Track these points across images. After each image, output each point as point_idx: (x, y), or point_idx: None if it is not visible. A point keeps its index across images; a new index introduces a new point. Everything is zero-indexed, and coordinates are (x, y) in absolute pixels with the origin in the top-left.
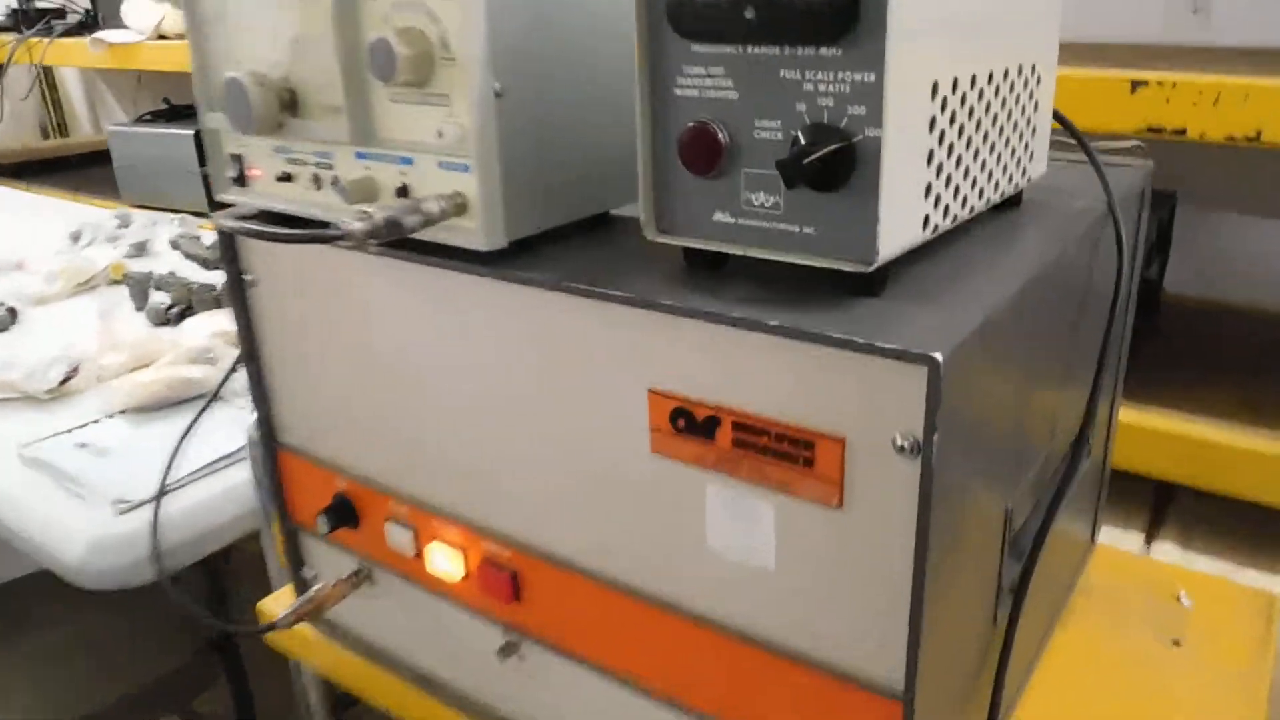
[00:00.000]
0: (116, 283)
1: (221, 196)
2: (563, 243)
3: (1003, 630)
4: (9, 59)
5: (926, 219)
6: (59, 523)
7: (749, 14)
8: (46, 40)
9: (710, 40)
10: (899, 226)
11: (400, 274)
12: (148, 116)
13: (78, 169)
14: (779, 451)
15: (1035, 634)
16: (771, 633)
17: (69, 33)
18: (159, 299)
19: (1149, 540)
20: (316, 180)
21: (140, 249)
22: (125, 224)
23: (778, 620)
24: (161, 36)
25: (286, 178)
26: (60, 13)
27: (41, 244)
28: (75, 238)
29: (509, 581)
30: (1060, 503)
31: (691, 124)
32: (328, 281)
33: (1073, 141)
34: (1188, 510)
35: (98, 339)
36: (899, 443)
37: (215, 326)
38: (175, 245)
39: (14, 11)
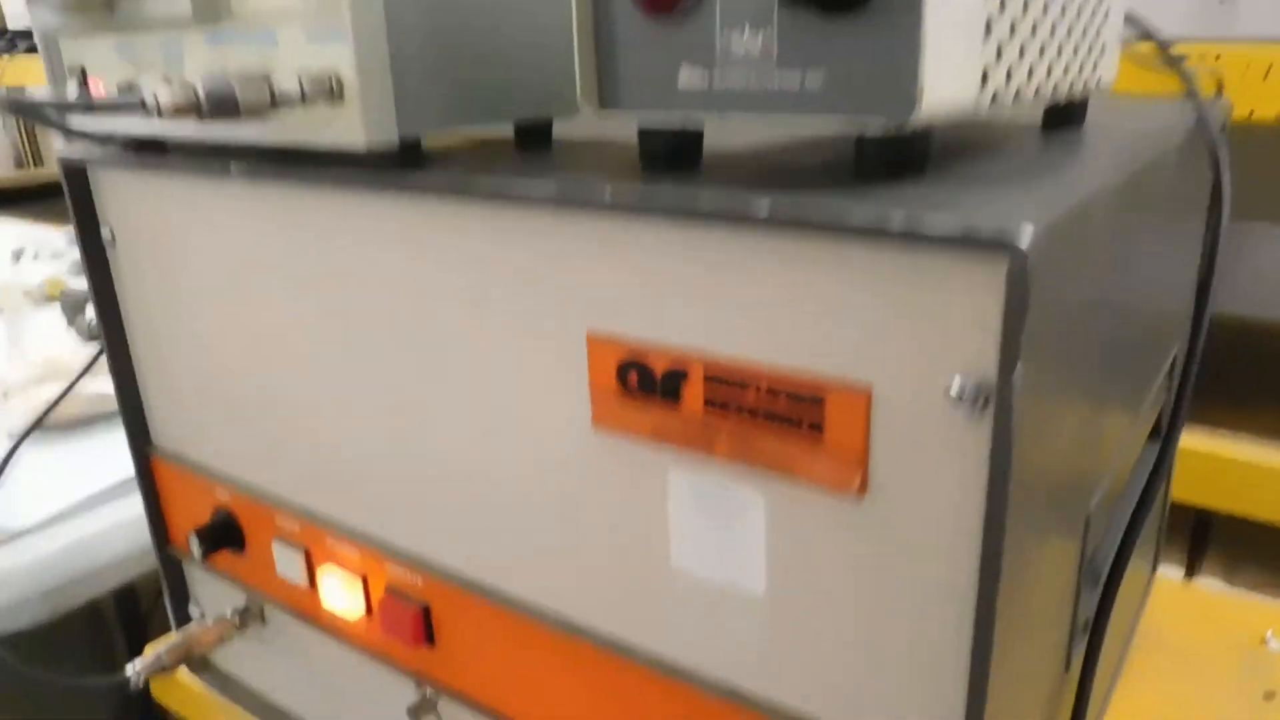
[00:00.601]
0: (51, 300)
1: (73, 125)
2: (478, 155)
3: (1076, 678)
4: None
5: (985, 76)
6: None
7: None
8: (6, 58)
9: None
10: (948, 72)
11: (266, 203)
12: None
13: (50, 197)
14: (772, 413)
15: (1101, 688)
16: (761, 686)
17: (33, 49)
18: (93, 314)
19: (1190, 575)
20: (167, 84)
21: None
22: (73, 243)
23: (770, 669)
24: None
25: (130, 88)
26: (27, 33)
27: None
28: (16, 255)
29: (419, 618)
30: (1150, 504)
31: None
32: (191, 228)
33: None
34: (1230, 540)
35: (9, 354)
36: (957, 388)
37: None
38: None
39: None
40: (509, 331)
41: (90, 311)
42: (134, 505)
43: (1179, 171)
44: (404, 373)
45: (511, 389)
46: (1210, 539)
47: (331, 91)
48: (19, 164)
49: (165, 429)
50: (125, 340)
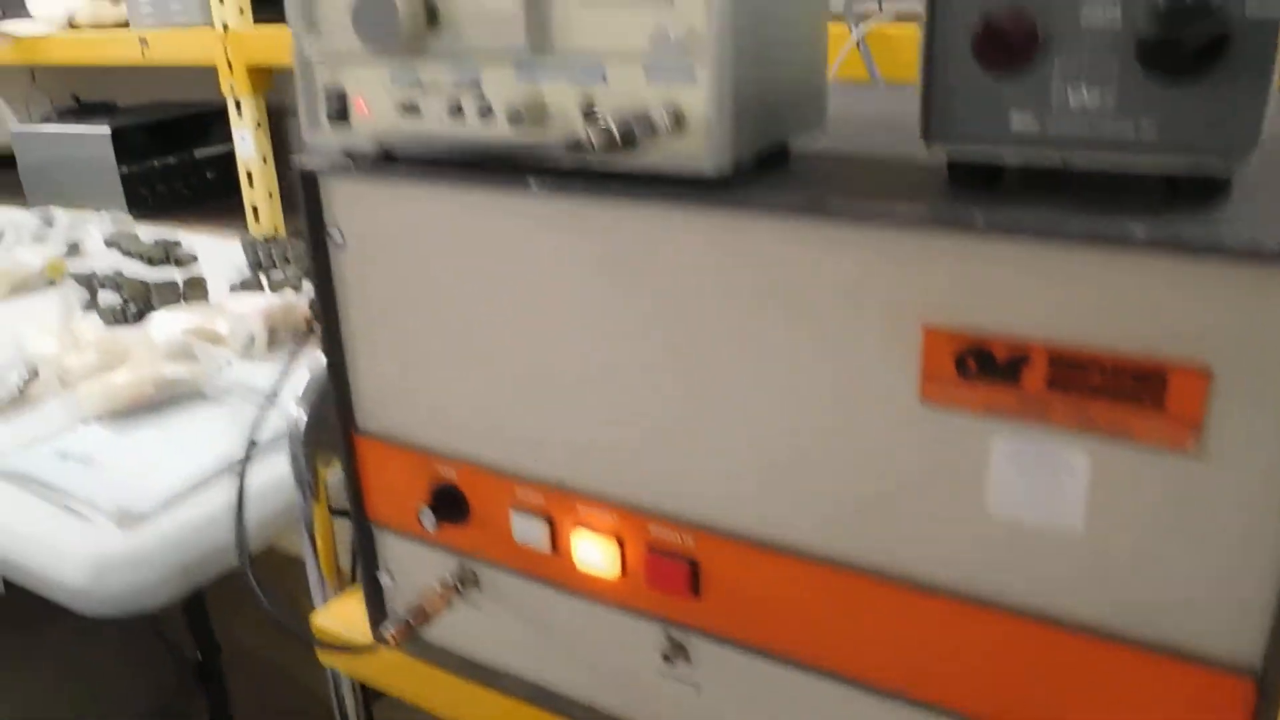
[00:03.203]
0: (52, 283)
1: (315, 138)
2: (768, 170)
3: None
4: None
5: None
6: (50, 541)
7: None
8: None
9: None
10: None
11: (558, 215)
12: (53, 116)
13: None
14: (1113, 390)
15: None
16: (1070, 608)
17: None
18: (110, 298)
19: None
20: (457, 108)
21: (74, 248)
22: (49, 223)
23: (1079, 592)
24: (73, 27)
25: (412, 108)
26: None
27: None
28: None
29: (685, 573)
30: None
31: (994, 13)
32: (443, 239)
33: None
34: None
35: (59, 340)
36: None
37: (185, 323)
38: (112, 244)
39: None
40: (833, 322)
41: (104, 295)
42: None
43: None
44: (703, 357)
45: (831, 370)
46: None
47: (676, 120)
48: None
49: (373, 412)
50: (340, 333)
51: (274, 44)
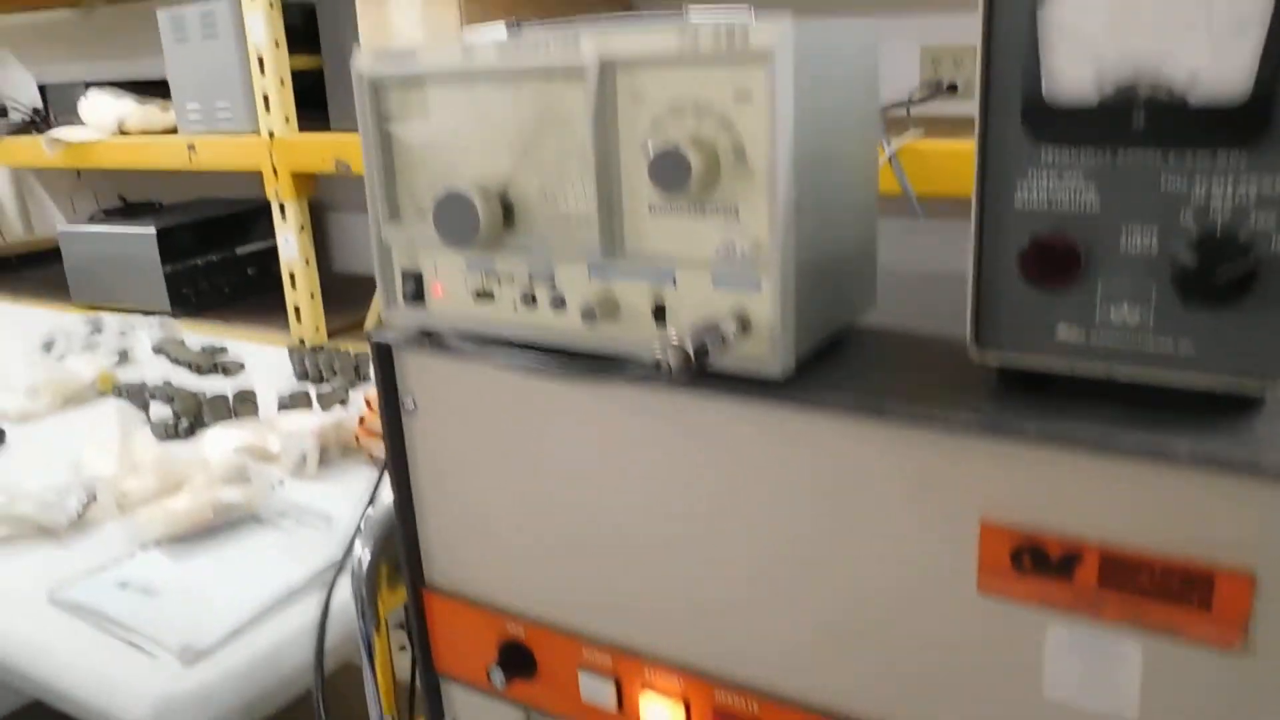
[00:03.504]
0: (103, 394)
1: (392, 315)
2: (827, 363)
3: None
4: None
5: None
6: (111, 675)
7: (1138, 118)
8: None
9: (1075, 144)
10: None
11: (626, 398)
12: (99, 215)
13: (13, 271)
14: (1162, 590)
15: None
16: None
17: (15, 131)
18: (161, 411)
19: None
20: (530, 298)
21: (123, 356)
22: (97, 329)
23: None
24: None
25: (486, 295)
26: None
27: (5, 354)
28: (47, 347)
29: None
30: None
31: (1039, 235)
32: (515, 411)
33: None
34: None
35: (117, 460)
36: None
37: (237, 440)
38: (159, 350)
39: None
40: (896, 515)
41: (155, 408)
42: (306, 612)
43: None
44: (769, 541)
45: (891, 559)
46: None
47: (743, 326)
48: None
49: (441, 568)
50: (411, 493)
51: (318, 151)
